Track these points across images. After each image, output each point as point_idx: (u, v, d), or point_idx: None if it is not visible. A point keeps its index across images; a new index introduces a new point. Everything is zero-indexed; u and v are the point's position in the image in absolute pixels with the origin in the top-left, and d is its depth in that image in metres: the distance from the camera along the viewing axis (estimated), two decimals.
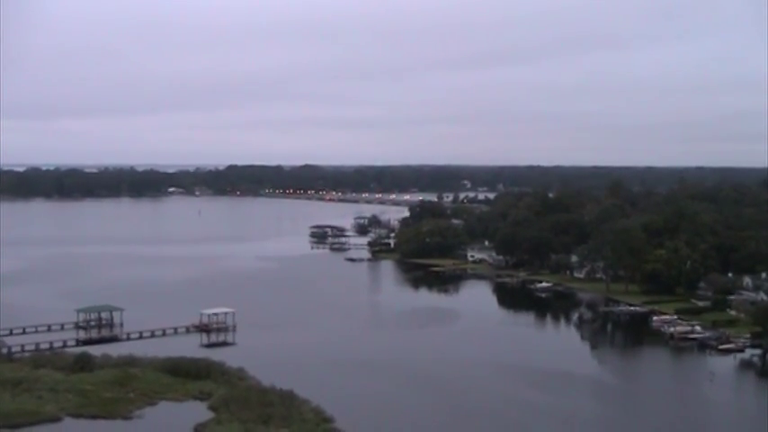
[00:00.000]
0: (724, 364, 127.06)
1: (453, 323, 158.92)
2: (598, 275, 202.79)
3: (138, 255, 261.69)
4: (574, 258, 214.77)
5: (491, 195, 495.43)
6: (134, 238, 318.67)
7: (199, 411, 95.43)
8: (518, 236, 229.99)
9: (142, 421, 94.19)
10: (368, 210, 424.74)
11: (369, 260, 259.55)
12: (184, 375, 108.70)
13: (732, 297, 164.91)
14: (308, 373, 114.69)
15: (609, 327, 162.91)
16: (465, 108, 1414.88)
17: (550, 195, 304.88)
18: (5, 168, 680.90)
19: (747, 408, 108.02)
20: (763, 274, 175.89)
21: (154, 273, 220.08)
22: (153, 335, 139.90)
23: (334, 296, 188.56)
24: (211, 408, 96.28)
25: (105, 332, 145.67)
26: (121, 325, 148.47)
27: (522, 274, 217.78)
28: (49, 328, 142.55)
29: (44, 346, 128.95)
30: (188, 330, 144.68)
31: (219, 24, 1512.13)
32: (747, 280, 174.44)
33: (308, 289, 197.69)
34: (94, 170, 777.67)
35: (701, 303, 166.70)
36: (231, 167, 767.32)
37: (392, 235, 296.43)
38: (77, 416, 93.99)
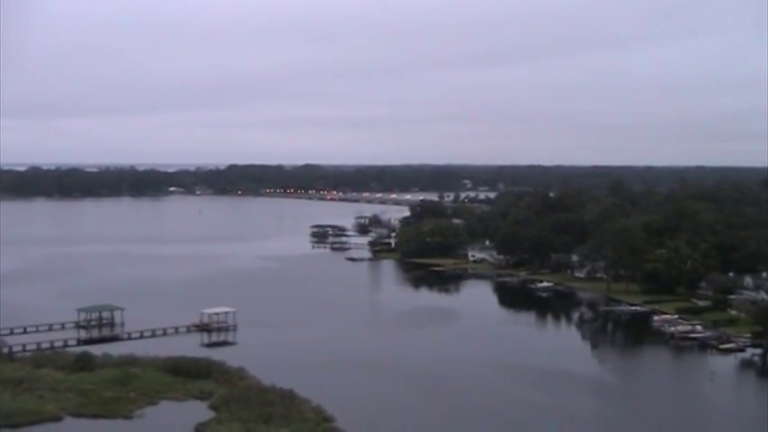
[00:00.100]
0: (725, 364, 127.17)
1: (454, 322, 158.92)
2: (599, 275, 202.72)
3: (139, 254, 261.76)
4: (574, 258, 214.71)
5: (491, 195, 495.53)
6: (134, 237, 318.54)
7: (199, 411, 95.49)
8: (518, 235, 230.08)
9: (143, 421, 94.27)
10: (368, 209, 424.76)
11: (369, 260, 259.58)
12: (185, 375, 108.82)
13: (733, 296, 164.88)
14: (309, 372, 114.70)
15: (609, 326, 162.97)
16: (465, 107, 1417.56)
17: (551, 195, 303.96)
18: (6, 168, 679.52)
19: (748, 407, 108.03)
20: (764, 274, 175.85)
21: (154, 272, 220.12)
22: (153, 334, 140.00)
23: (334, 296, 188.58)
24: (212, 407, 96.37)
25: (106, 331, 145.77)
26: (122, 324, 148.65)
27: (523, 274, 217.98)
28: (50, 328, 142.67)
29: (45, 345, 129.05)
30: (189, 330, 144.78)
31: (219, 24, 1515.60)
32: (748, 279, 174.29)
33: (308, 288, 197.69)
34: (95, 170, 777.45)
35: (701, 303, 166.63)
36: (232, 167, 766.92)
37: (393, 234, 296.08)
38: (78, 415, 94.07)
